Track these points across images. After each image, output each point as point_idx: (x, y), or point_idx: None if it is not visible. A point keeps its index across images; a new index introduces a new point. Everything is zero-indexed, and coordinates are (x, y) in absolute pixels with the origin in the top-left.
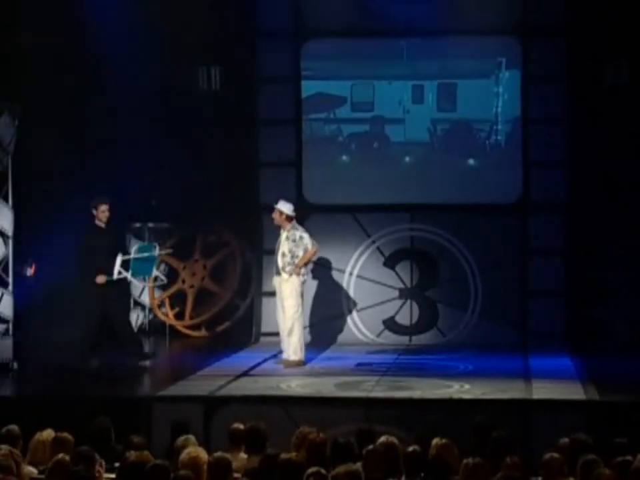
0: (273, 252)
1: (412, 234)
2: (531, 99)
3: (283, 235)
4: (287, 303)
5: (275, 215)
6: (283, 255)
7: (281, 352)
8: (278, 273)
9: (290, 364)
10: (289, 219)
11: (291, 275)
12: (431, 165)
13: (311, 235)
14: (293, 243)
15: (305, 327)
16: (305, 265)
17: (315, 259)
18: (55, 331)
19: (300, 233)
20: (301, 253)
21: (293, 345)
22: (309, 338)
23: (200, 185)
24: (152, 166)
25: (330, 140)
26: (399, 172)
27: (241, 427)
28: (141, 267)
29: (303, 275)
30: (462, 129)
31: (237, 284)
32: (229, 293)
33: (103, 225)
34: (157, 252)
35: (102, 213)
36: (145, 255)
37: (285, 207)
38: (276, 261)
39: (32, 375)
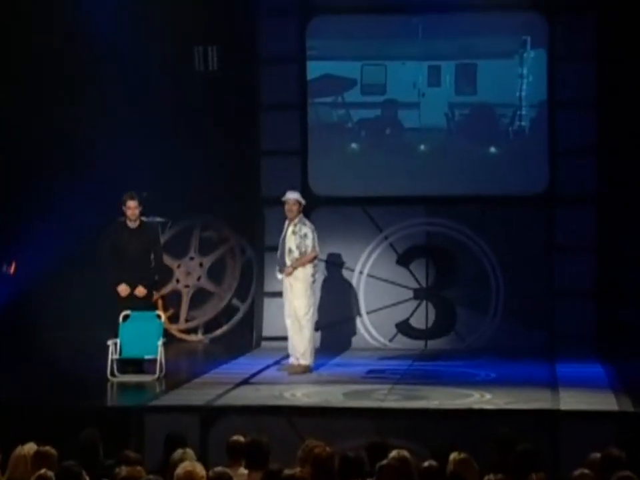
0: (275, 249)
1: (428, 229)
2: (558, 81)
3: (289, 229)
4: (298, 303)
5: (294, 207)
6: (290, 251)
7: (285, 358)
8: (282, 271)
9: (296, 370)
10: (300, 209)
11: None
12: (449, 153)
13: (318, 231)
14: (300, 239)
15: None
16: (305, 265)
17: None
18: (37, 333)
19: (306, 230)
20: (308, 251)
21: (302, 348)
22: (317, 343)
23: (196, 176)
24: (142, 155)
25: (338, 126)
26: (414, 161)
27: (241, 439)
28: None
29: (313, 276)
30: (482, 113)
31: (236, 284)
32: (227, 293)
33: (133, 225)
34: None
35: (129, 210)
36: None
37: (301, 197)
38: (282, 257)
39: (12, 381)
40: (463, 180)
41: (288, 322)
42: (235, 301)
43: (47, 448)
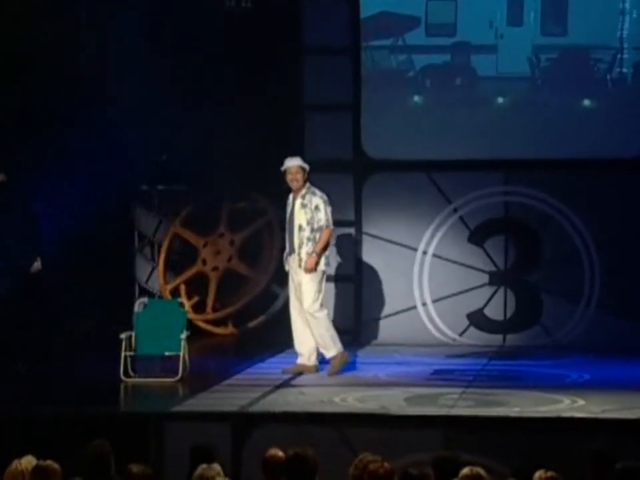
0: None
1: (506, 199)
2: None
3: (297, 202)
4: (305, 288)
5: (298, 175)
6: (300, 228)
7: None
8: (293, 252)
9: (333, 369)
10: (306, 178)
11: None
12: (533, 108)
13: (373, 201)
14: (311, 212)
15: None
16: (324, 250)
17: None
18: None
19: (317, 200)
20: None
21: (321, 340)
22: (370, 337)
23: (225, 135)
24: (162, 111)
25: (397, 74)
26: (490, 117)
27: (281, 454)
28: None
29: (326, 264)
30: (574, 58)
31: (274, 265)
32: (264, 277)
33: None
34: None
35: None
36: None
37: (305, 163)
38: (290, 238)
39: (6, 385)
40: (549, 140)
41: (294, 316)
42: (274, 287)
43: (49, 462)
